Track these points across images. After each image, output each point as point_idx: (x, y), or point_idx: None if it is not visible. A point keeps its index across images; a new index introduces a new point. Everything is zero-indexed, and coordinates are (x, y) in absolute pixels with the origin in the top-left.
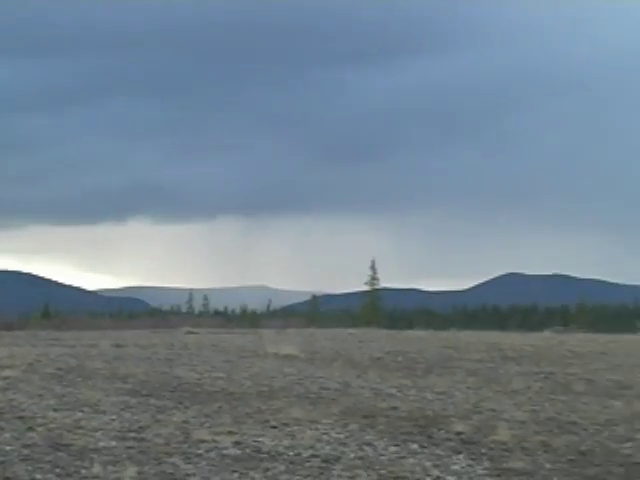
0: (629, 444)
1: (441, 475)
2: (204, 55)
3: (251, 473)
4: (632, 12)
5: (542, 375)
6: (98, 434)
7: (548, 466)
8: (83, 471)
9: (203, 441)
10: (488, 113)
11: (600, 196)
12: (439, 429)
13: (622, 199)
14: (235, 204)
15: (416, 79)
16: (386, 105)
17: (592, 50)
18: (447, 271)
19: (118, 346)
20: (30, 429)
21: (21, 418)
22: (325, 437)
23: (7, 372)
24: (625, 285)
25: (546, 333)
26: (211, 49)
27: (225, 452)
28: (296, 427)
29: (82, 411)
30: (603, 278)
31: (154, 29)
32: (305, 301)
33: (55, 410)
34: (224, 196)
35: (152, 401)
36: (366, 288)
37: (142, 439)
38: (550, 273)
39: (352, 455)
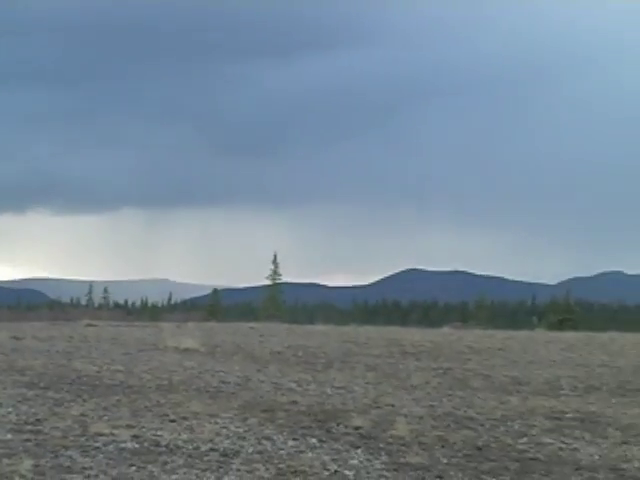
0: (524, 439)
1: (339, 469)
2: (107, 49)
3: (149, 467)
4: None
5: (440, 371)
6: None
7: (445, 461)
8: None
9: (101, 434)
10: (386, 110)
11: (499, 195)
12: (338, 424)
13: (520, 198)
14: (137, 197)
15: (318, 75)
16: (287, 100)
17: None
18: (349, 266)
19: (16, 338)
20: None
21: None
22: (224, 431)
23: None
24: (523, 282)
25: (445, 329)
26: (114, 43)
27: (123, 445)
28: (195, 421)
29: None
30: (502, 275)
31: (57, 21)
32: (206, 295)
33: None
34: (126, 188)
35: (50, 394)
36: (268, 282)
37: (39, 432)
38: (450, 269)
39: (251, 449)
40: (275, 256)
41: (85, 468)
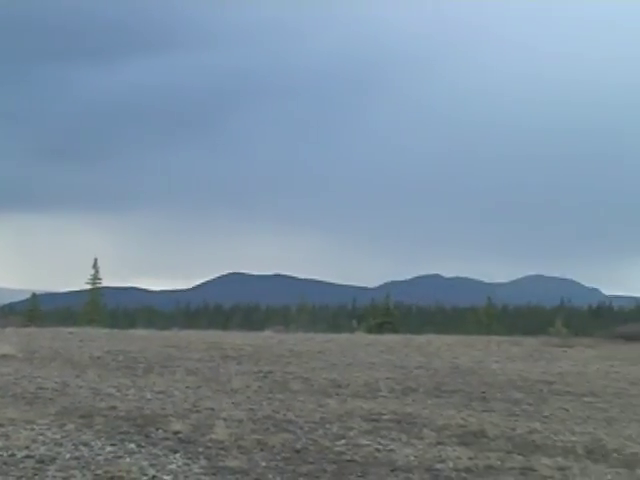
0: (342, 442)
1: (157, 474)
2: None
3: None
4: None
5: (261, 374)
6: None
7: (263, 464)
8: None
9: None
10: (210, 114)
11: (318, 199)
12: (157, 428)
13: (340, 203)
14: None
15: (140, 78)
16: (109, 104)
17: (309, 55)
18: (171, 270)
19: None
20: None
21: None
22: (41, 437)
23: None
24: (343, 285)
25: (267, 332)
26: None
27: None
28: (11, 427)
29: None
30: (323, 279)
31: None
32: (25, 300)
33: None
34: None
35: None
36: (88, 287)
37: None
38: (271, 273)
39: (68, 455)
40: (95, 260)
41: None
